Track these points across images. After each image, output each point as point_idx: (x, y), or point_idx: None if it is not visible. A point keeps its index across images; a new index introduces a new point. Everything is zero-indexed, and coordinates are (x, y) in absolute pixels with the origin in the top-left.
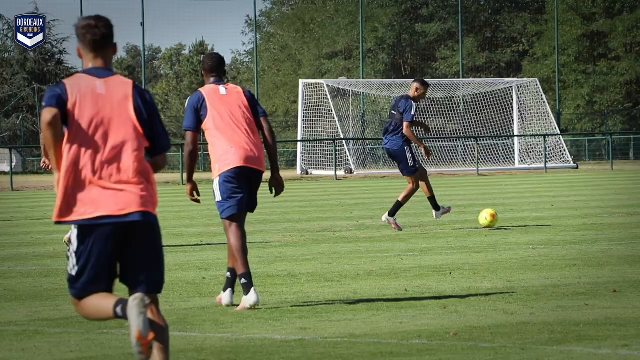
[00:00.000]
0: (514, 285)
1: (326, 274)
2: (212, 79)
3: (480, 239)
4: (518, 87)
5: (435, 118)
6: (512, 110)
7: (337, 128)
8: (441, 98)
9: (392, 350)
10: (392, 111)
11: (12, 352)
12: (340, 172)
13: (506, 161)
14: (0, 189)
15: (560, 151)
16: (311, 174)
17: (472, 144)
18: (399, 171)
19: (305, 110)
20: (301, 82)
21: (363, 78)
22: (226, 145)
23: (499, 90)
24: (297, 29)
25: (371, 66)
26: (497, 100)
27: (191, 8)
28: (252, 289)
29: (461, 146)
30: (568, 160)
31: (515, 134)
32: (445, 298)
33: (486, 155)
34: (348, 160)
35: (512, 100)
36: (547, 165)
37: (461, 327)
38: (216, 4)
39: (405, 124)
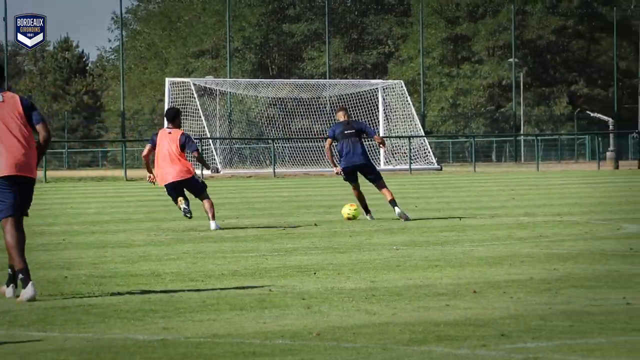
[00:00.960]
0: (377, 286)
1: (190, 273)
2: None
3: (344, 240)
4: (384, 89)
5: (302, 118)
6: (378, 111)
7: (204, 127)
8: (308, 99)
9: (255, 350)
10: (346, 131)
11: None
12: (207, 172)
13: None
14: None
15: (425, 153)
16: None
17: None
18: (265, 171)
19: None
20: (167, 80)
21: (230, 77)
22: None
23: (365, 91)
24: (164, 27)
25: (238, 65)
26: (363, 102)
27: (56, 2)
28: (30, 283)
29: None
30: (432, 162)
31: (381, 135)
32: (309, 298)
33: None
34: (214, 159)
35: (378, 101)
36: (411, 167)
37: (324, 327)
38: (81, 0)
39: (377, 136)
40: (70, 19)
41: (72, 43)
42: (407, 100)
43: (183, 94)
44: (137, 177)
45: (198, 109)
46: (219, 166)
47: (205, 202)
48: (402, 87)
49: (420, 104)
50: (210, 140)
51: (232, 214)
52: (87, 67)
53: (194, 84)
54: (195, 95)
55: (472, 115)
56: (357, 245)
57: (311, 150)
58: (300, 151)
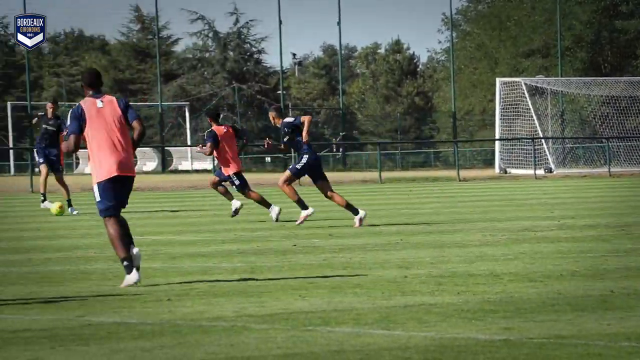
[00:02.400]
0: None
1: (529, 274)
2: (90, 92)
3: None
4: None
5: (637, 117)
6: None
7: (536, 127)
8: None
9: (601, 352)
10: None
11: (220, 347)
12: (540, 171)
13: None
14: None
15: None
16: (510, 172)
17: None
18: (599, 171)
19: (503, 108)
20: (498, 80)
21: (561, 76)
22: (102, 154)
23: None
24: (494, 27)
25: (569, 64)
26: None
27: (386, 7)
28: (135, 269)
29: None
30: None
31: None
32: None
33: None
34: (547, 159)
35: None
36: None
37: None
38: (412, 3)
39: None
40: (401, 21)
41: (402, 45)
42: None
43: (513, 93)
44: (469, 177)
45: (529, 109)
46: (552, 166)
47: None
48: None
49: None
50: (543, 140)
51: (568, 214)
52: (418, 69)
53: (525, 84)
54: (527, 94)
55: None
56: None
57: None
58: (636, 150)
